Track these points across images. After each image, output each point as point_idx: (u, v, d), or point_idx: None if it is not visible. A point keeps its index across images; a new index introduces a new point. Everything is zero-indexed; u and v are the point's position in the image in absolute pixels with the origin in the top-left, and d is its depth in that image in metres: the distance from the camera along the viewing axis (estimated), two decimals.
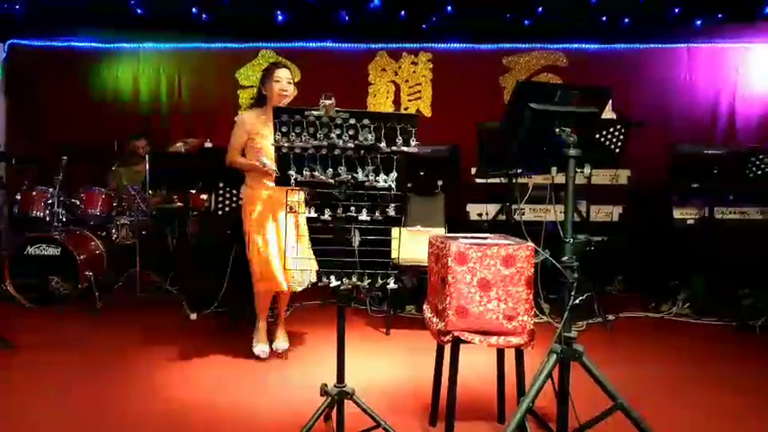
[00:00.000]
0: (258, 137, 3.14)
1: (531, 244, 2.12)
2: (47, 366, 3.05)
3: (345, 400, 2.14)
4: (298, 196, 2.86)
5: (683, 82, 5.78)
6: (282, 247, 3.06)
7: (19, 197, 4.48)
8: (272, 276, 3.09)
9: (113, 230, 4.71)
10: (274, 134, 2.01)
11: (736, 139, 5.65)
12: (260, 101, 3.19)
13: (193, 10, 5.71)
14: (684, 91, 5.77)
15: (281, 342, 3.33)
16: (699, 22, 5.60)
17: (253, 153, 3.15)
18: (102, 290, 4.31)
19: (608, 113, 4.38)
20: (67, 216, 4.52)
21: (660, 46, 5.79)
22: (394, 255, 2.17)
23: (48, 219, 4.43)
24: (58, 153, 4.53)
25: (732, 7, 5.33)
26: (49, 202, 4.43)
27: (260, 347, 3.24)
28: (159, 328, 3.84)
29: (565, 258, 1.97)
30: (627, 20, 5.61)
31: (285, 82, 3.11)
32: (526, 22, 5.69)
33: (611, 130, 3.95)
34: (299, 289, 3.16)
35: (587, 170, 4.07)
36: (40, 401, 2.61)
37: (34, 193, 4.48)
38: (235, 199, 3.89)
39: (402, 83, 6.01)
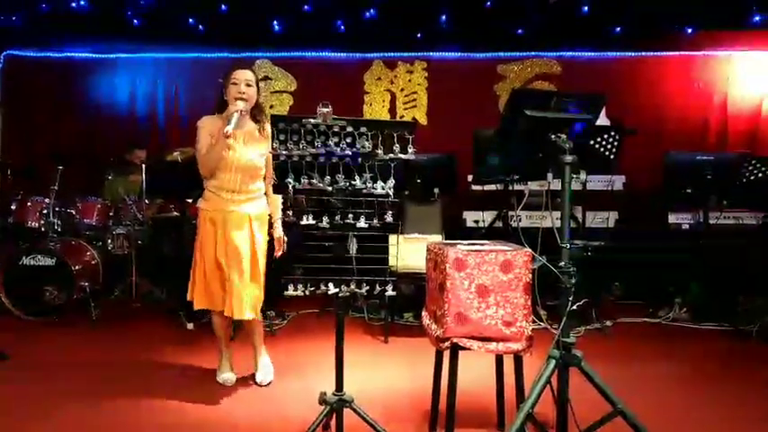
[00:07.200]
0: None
1: (528, 250, 2.13)
2: (42, 379, 3.02)
3: (344, 409, 2.14)
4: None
5: (675, 89, 5.83)
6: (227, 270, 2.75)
7: (14, 207, 4.45)
8: (207, 292, 2.79)
9: (109, 240, 4.69)
10: (272, 142, 2.02)
11: (728, 144, 5.70)
12: (221, 106, 2.87)
13: (190, 20, 5.74)
14: (677, 98, 5.82)
15: (261, 373, 2.99)
16: (690, 31, 5.66)
17: None
18: (97, 300, 4.27)
19: (602, 120, 4.43)
20: (63, 226, 4.48)
21: (652, 54, 5.85)
22: (392, 262, 2.17)
23: (43, 229, 4.40)
24: (53, 163, 4.51)
25: (721, 16, 5.40)
26: (45, 212, 4.40)
27: (222, 376, 2.99)
28: (156, 338, 3.82)
29: (562, 264, 1.97)
30: (619, 28, 5.67)
31: (243, 84, 2.82)
32: (520, 30, 5.74)
33: (606, 136, 3.98)
34: (248, 317, 2.78)
35: (583, 176, 4.10)
36: (35, 416, 2.58)
37: (29, 203, 4.44)
38: None
39: (398, 91, 6.04)
